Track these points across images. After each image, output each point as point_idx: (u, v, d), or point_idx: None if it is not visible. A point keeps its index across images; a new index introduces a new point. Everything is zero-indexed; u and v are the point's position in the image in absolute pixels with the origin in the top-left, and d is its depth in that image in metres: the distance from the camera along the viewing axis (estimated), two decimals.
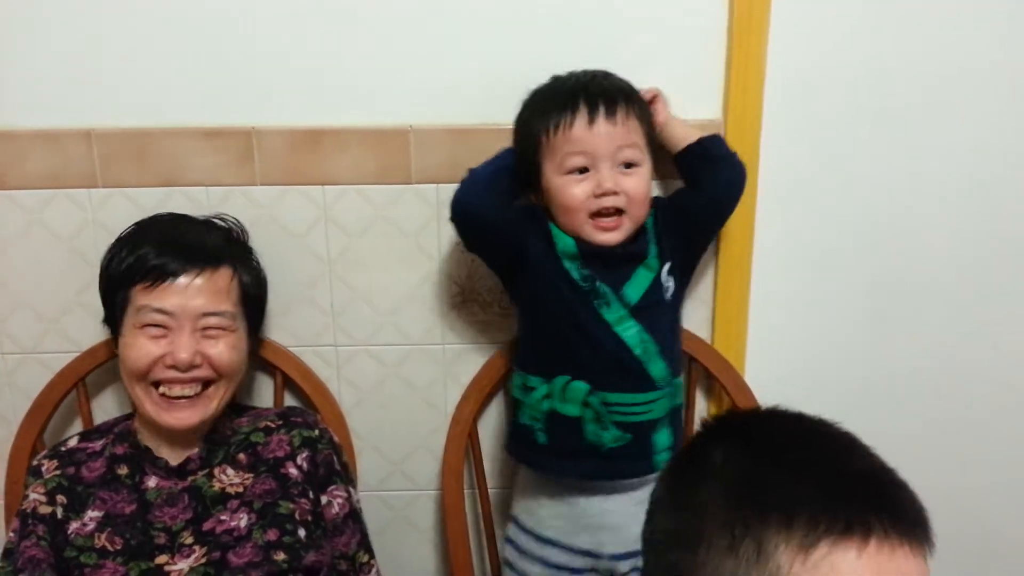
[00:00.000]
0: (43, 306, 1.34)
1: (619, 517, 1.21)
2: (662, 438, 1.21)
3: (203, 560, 1.14)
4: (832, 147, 1.31)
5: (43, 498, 1.17)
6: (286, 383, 1.37)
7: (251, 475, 1.19)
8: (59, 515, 1.16)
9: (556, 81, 1.18)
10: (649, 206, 1.18)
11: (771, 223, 1.32)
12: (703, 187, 1.20)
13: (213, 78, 1.26)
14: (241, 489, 1.18)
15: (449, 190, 1.19)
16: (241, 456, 1.20)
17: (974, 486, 1.45)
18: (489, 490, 1.40)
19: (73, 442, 1.23)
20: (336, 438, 1.28)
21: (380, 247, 1.33)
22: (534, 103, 1.18)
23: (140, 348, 1.14)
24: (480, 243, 1.22)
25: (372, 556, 1.27)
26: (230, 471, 1.19)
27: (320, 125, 1.27)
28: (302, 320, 1.36)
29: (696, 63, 1.24)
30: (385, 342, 1.37)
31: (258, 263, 1.28)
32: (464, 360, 1.38)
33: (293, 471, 1.20)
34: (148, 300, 1.14)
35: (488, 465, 1.41)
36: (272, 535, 1.16)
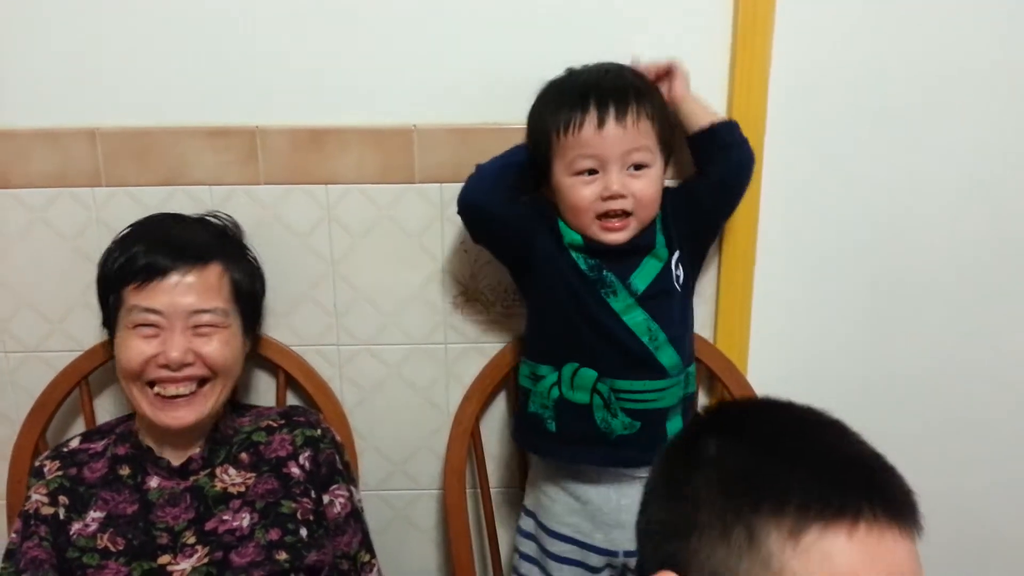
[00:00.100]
0: (46, 305, 1.34)
1: (633, 514, 1.20)
2: (674, 426, 1.21)
3: (205, 560, 1.14)
4: (835, 147, 1.31)
5: (45, 499, 1.17)
6: (288, 382, 1.37)
7: (253, 475, 1.19)
8: (61, 516, 1.16)
9: (571, 75, 1.18)
10: (658, 206, 1.17)
11: (774, 223, 1.32)
12: (713, 169, 1.21)
13: (216, 77, 1.26)
14: (243, 489, 1.18)
15: (452, 189, 1.20)
16: (243, 456, 1.20)
17: (974, 486, 1.45)
18: (491, 490, 1.40)
19: (75, 443, 1.22)
20: (338, 437, 1.28)
21: (383, 247, 1.33)
22: (547, 97, 1.17)
23: (133, 348, 1.14)
24: (486, 236, 1.23)
25: (373, 556, 1.26)
26: (232, 471, 1.19)
27: (323, 125, 1.27)
28: (305, 319, 1.36)
29: (699, 63, 1.24)
30: (388, 342, 1.37)
31: (254, 260, 1.28)
32: (466, 360, 1.38)
33: (295, 470, 1.20)
34: (138, 300, 1.14)
35: (490, 465, 1.41)
36: (274, 535, 1.16)
